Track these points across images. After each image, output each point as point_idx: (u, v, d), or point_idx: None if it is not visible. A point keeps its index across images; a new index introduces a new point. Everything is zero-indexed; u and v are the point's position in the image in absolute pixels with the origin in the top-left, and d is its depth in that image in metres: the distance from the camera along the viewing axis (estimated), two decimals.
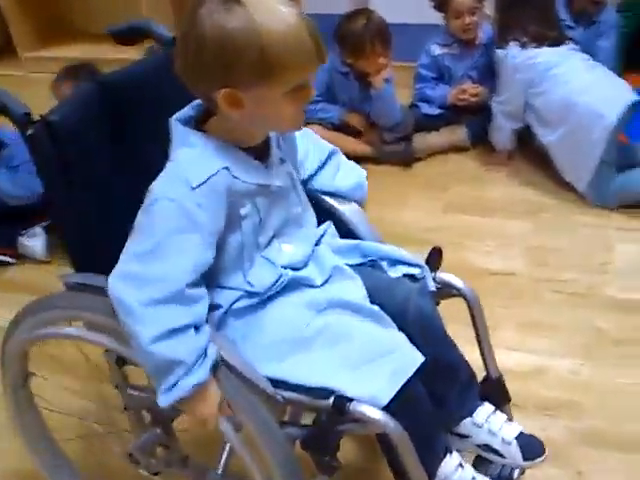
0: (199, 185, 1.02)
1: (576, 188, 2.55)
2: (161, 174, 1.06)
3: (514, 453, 1.19)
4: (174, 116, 1.10)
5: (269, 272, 1.13)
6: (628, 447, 1.58)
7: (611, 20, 2.91)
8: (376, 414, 1.04)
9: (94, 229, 1.18)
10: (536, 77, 2.58)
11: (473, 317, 1.27)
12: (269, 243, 1.14)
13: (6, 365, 1.29)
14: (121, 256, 1.02)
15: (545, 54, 2.59)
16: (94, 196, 1.18)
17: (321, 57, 1.03)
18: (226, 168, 1.05)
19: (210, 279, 1.10)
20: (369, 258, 1.24)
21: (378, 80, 2.75)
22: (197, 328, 1.01)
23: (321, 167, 1.32)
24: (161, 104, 1.15)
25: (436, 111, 2.93)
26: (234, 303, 1.12)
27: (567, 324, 1.96)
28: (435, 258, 1.26)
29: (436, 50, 2.93)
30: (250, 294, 1.12)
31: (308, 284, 1.15)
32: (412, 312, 1.18)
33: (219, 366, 1.04)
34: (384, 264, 1.23)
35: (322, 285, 1.15)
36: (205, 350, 1.01)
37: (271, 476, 1.10)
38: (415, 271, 1.22)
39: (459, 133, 2.89)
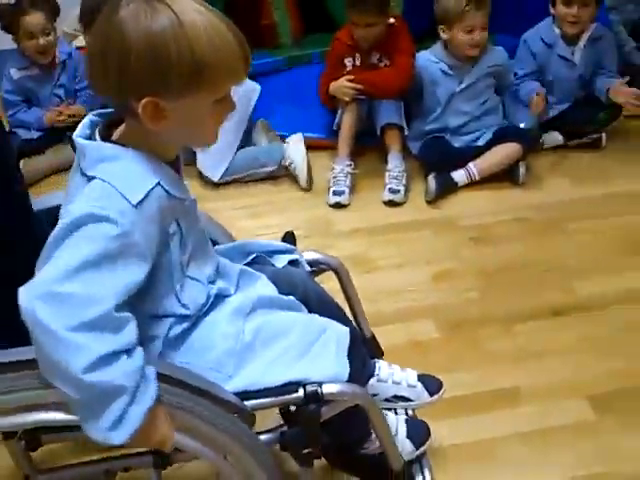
0: (140, 201, 0.93)
1: (211, 177, 2.62)
2: (86, 191, 0.93)
3: (420, 393, 1.36)
4: (75, 134, 0.98)
5: (200, 291, 1.07)
6: None
7: None
8: (349, 388, 1.10)
9: None
10: None
11: (343, 285, 1.37)
12: (189, 262, 1.06)
13: None
14: (41, 274, 0.87)
15: None
16: None
17: (247, 62, 0.97)
18: (158, 182, 0.97)
19: (143, 308, 1.01)
20: (252, 255, 1.24)
21: None
22: (129, 351, 0.91)
23: None
24: None
25: (35, 135, 2.79)
26: (169, 331, 1.05)
27: None
28: (291, 241, 1.32)
29: (15, 74, 2.80)
30: (180, 318, 1.05)
31: (225, 294, 1.12)
32: (312, 296, 1.24)
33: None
34: (266, 257, 1.25)
35: (236, 292, 1.14)
36: (143, 372, 0.92)
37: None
38: (295, 257, 1.28)
39: (65, 152, 2.76)
